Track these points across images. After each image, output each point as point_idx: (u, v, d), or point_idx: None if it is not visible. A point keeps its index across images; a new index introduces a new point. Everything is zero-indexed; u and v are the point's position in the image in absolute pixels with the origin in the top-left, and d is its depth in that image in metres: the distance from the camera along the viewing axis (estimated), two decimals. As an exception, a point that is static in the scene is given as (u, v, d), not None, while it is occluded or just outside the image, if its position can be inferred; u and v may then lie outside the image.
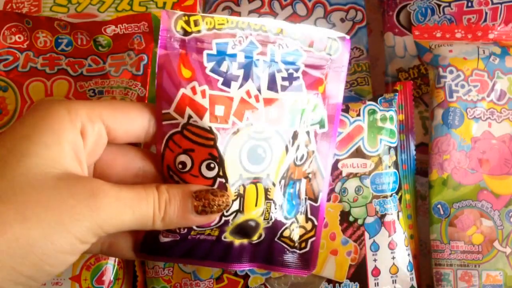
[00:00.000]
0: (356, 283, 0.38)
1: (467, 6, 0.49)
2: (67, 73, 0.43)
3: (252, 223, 0.32)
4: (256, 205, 0.32)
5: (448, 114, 0.42)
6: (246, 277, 0.39)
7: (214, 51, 0.31)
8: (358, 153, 0.39)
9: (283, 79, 0.32)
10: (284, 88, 0.32)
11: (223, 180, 0.31)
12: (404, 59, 0.50)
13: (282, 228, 0.34)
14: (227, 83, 0.31)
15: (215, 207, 0.29)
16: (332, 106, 0.34)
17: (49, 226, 0.24)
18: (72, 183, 0.26)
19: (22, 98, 0.42)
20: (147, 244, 0.33)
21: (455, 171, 0.41)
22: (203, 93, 0.31)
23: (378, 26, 0.55)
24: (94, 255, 0.40)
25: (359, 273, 0.38)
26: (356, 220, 0.39)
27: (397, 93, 0.42)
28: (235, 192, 0.31)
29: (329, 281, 0.38)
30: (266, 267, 0.35)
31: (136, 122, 0.30)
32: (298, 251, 0.35)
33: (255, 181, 0.32)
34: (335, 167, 0.39)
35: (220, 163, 0.31)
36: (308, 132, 0.34)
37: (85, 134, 0.28)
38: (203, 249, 0.33)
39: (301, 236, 0.35)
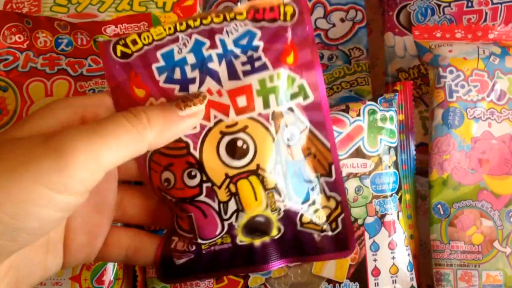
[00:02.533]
0: (356, 283, 0.38)
1: (467, 6, 0.49)
2: (67, 73, 0.43)
3: (261, 219, 0.31)
4: (256, 199, 0.31)
5: (448, 114, 0.42)
6: (246, 277, 0.39)
7: (161, 63, 0.31)
8: (358, 153, 0.39)
9: (243, 64, 0.31)
10: (246, 73, 0.31)
11: (209, 184, 0.30)
12: (404, 59, 0.50)
13: (299, 215, 0.32)
14: (184, 89, 0.31)
15: (195, 98, 0.29)
16: (311, 73, 0.32)
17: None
18: (40, 135, 0.25)
19: (22, 98, 0.42)
20: (166, 270, 0.32)
21: (455, 171, 0.41)
22: None
23: (378, 26, 0.55)
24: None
25: (359, 273, 0.38)
26: (356, 220, 0.39)
27: (397, 93, 0.42)
28: (227, 193, 0.30)
29: (329, 281, 0.38)
30: (301, 259, 0.33)
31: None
32: (330, 233, 0.33)
33: (246, 175, 0.31)
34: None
35: (200, 168, 0.30)
36: (291, 109, 0.32)
37: None
38: (224, 259, 0.32)
39: (328, 217, 0.33)
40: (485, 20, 0.48)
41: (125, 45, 0.30)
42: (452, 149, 0.41)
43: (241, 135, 0.30)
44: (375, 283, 0.38)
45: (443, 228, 0.41)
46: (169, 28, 0.30)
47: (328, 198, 0.33)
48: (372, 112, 0.40)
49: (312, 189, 0.33)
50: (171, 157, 0.31)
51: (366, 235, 0.39)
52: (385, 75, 0.51)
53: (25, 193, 0.23)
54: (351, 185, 0.39)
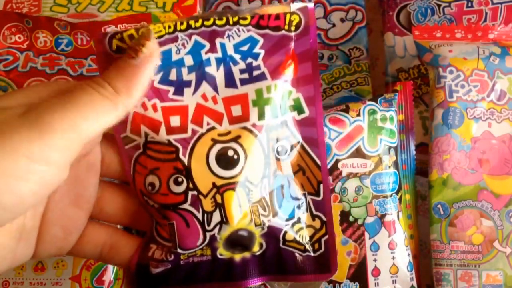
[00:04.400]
0: (356, 283, 0.38)
1: (467, 6, 0.49)
2: (67, 73, 0.43)
3: (244, 233, 0.30)
4: (241, 212, 0.30)
5: (448, 114, 0.42)
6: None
7: (158, 62, 0.29)
8: (358, 153, 0.39)
9: (242, 71, 0.30)
10: (244, 81, 0.30)
11: (195, 192, 0.29)
12: (404, 59, 0.50)
13: (282, 232, 0.31)
14: (179, 91, 0.30)
15: (142, 39, 0.27)
16: (308, 87, 0.31)
17: None
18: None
19: (22, 98, 0.42)
20: (141, 279, 0.31)
21: (455, 171, 0.41)
22: (154, 107, 0.30)
23: (378, 26, 0.55)
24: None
25: (359, 273, 0.38)
26: (356, 220, 0.39)
27: (397, 93, 0.42)
28: (212, 203, 0.29)
29: (329, 281, 0.38)
30: (281, 278, 0.32)
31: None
32: (312, 254, 0.32)
33: (233, 187, 0.29)
34: (335, 167, 0.39)
35: (188, 175, 0.29)
36: (285, 122, 0.31)
37: None
38: (203, 271, 0.31)
39: (311, 237, 0.32)
40: (485, 20, 0.48)
41: (121, 40, 0.29)
42: (452, 149, 0.41)
43: (233, 144, 0.29)
44: (375, 283, 0.38)
45: (443, 228, 0.41)
46: (169, 27, 0.29)
47: (313, 217, 0.32)
48: (372, 112, 0.40)
49: (298, 206, 0.32)
50: (158, 161, 0.30)
51: (366, 235, 0.39)
52: (385, 75, 0.51)
53: (5, 165, 0.22)
54: (351, 185, 0.39)
